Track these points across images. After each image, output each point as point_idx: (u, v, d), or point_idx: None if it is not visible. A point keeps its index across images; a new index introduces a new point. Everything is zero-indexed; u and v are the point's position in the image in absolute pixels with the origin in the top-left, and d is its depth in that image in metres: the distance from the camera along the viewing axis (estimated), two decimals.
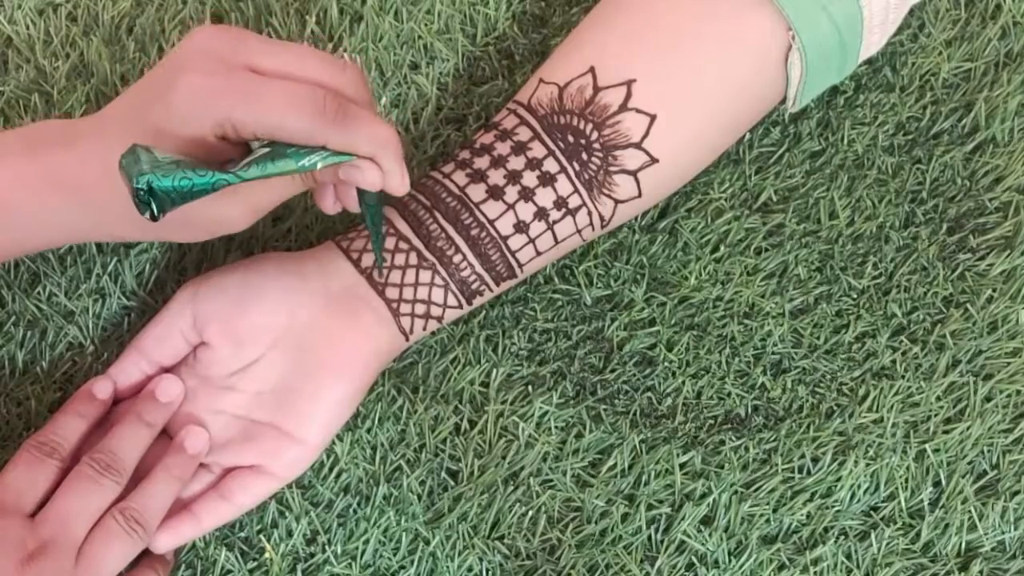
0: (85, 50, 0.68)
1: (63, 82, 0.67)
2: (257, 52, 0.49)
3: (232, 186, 0.47)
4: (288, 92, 0.48)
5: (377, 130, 0.49)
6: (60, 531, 0.54)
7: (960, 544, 0.61)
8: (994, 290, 0.66)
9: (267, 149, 0.48)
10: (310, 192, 0.55)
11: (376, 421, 0.61)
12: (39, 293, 0.63)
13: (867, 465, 0.62)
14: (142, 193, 0.45)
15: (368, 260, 0.59)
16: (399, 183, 0.51)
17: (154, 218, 0.46)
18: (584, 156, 0.59)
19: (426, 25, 0.70)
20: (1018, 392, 0.64)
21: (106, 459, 0.56)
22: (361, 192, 0.54)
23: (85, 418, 0.58)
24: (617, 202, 0.60)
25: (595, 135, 0.59)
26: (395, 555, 0.59)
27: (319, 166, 0.48)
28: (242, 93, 0.48)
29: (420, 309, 0.59)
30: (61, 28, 0.69)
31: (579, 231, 0.61)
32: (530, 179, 0.59)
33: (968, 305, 0.66)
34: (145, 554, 0.57)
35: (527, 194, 0.59)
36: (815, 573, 0.60)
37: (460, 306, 0.60)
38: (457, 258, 0.59)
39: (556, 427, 0.62)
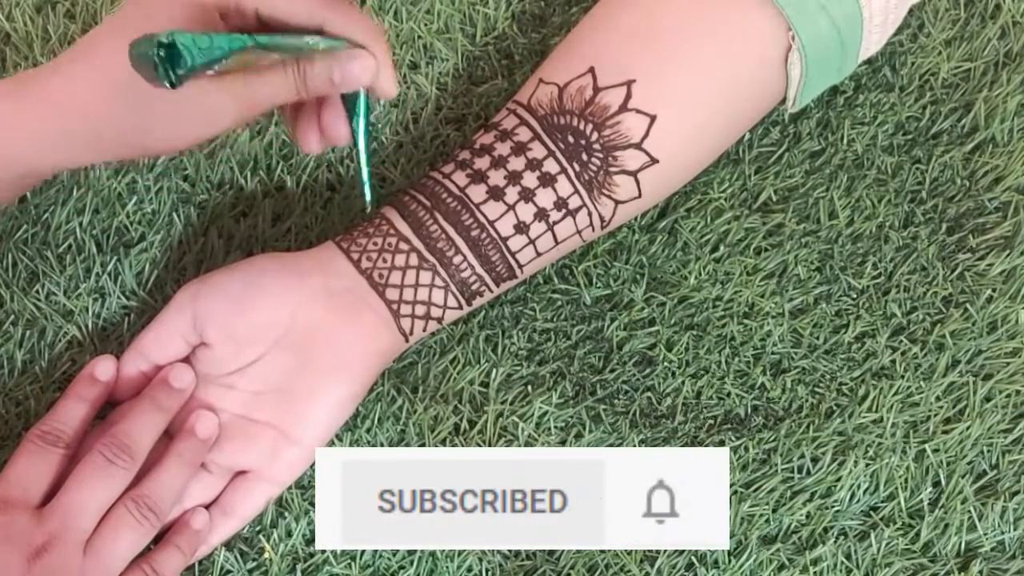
0: None
1: None
2: None
3: (225, 76, 0.48)
4: None
5: (368, 21, 0.52)
6: (68, 523, 0.54)
7: (960, 544, 0.61)
8: (994, 290, 0.66)
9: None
10: (293, 137, 0.57)
11: (376, 421, 0.61)
12: (38, 292, 0.63)
13: (867, 465, 0.62)
14: (162, 50, 0.44)
15: (367, 262, 0.59)
16: (390, 81, 0.53)
17: (172, 84, 0.45)
18: (584, 157, 0.59)
19: (426, 25, 0.70)
20: (1018, 392, 0.64)
21: (119, 442, 0.56)
22: (350, 107, 0.55)
23: (87, 402, 0.58)
24: (617, 203, 0.60)
25: (595, 136, 0.59)
26: (394, 555, 0.59)
27: (321, 46, 0.51)
28: None
29: (420, 310, 0.59)
30: (59, 26, 0.68)
31: (579, 232, 0.61)
32: (530, 180, 0.59)
33: (968, 305, 0.66)
34: (166, 532, 0.57)
35: (527, 195, 0.59)
36: (815, 573, 0.60)
37: (460, 307, 0.60)
38: (457, 259, 0.59)
39: (556, 427, 0.62)
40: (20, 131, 0.51)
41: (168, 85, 0.45)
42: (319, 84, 0.52)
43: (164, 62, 0.44)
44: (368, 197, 0.59)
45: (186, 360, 0.59)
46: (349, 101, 0.56)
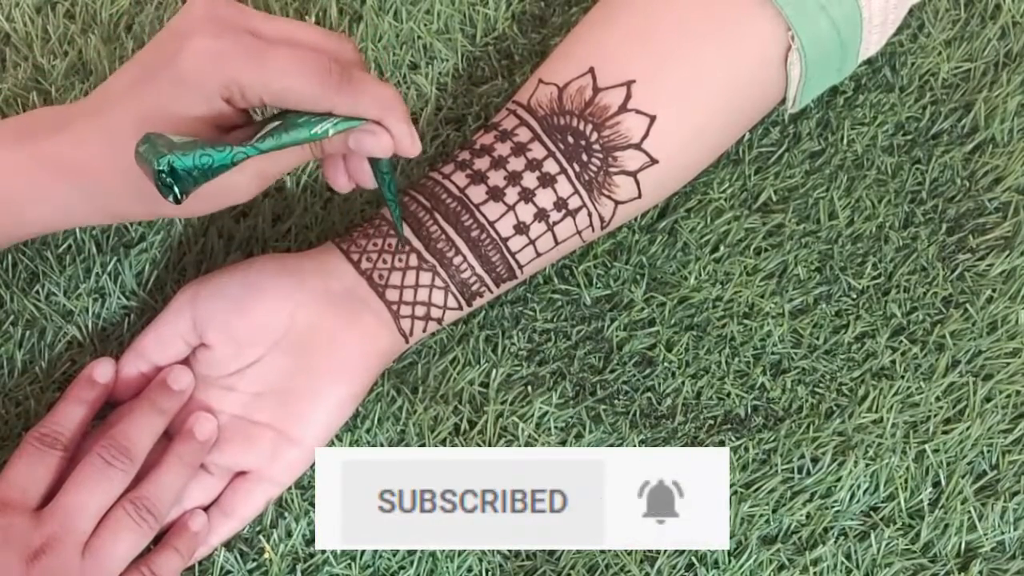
0: (83, 48, 0.68)
1: (61, 80, 0.67)
2: (257, 19, 0.50)
3: None
4: (294, 56, 0.48)
5: (381, 92, 0.50)
6: (66, 525, 0.54)
7: (960, 544, 0.61)
8: (994, 290, 0.66)
9: (277, 122, 0.49)
10: (321, 172, 0.56)
11: (376, 421, 0.61)
12: (38, 292, 0.63)
13: (867, 465, 0.62)
14: (164, 175, 0.45)
15: (367, 263, 0.59)
16: (409, 144, 0.51)
17: (177, 201, 0.46)
18: (584, 157, 0.59)
19: (425, 25, 0.69)
20: (1018, 392, 0.64)
21: (118, 444, 0.56)
22: (374, 161, 0.54)
23: (86, 404, 0.58)
24: (617, 203, 0.60)
25: (595, 136, 0.59)
26: (394, 555, 0.59)
27: (331, 133, 0.49)
28: (250, 55, 0.48)
29: (420, 311, 0.59)
30: (59, 26, 0.68)
31: (579, 232, 0.61)
32: (530, 180, 0.59)
33: (968, 305, 0.66)
34: (164, 535, 0.57)
35: (527, 195, 0.59)
36: (815, 573, 0.60)
37: (460, 307, 0.60)
38: (457, 260, 0.59)
39: (556, 427, 0.62)
40: (27, 186, 0.51)
41: (173, 201, 0.46)
42: (335, 149, 0.52)
43: (166, 181, 0.45)
44: (400, 232, 0.59)
45: (185, 361, 0.59)
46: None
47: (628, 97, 0.58)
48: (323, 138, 0.49)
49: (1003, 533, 0.61)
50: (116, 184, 0.50)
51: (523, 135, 0.59)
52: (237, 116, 0.50)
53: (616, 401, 0.63)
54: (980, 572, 0.60)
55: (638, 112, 0.58)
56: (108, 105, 0.50)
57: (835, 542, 0.60)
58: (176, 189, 0.46)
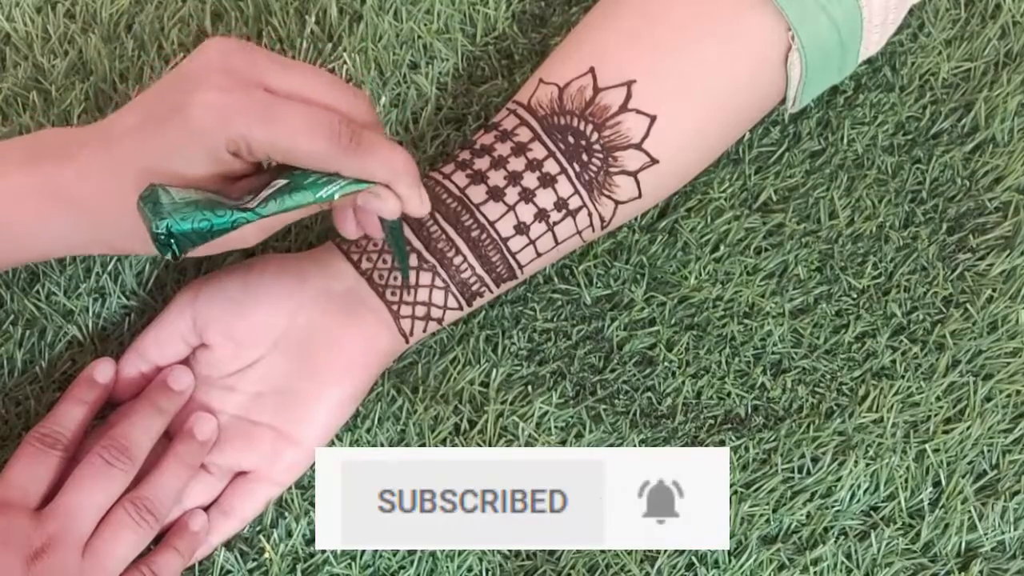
0: (84, 48, 0.68)
1: (62, 80, 0.67)
2: (270, 71, 0.49)
3: None
4: (304, 115, 0.48)
5: (391, 155, 0.50)
6: (67, 525, 0.54)
7: (960, 544, 0.61)
8: (994, 290, 0.66)
9: (284, 181, 0.48)
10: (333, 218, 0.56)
11: (376, 421, 0.61)
12: (38, 292, 0.63)
13: (867, 465, 0.62)
14: (162, 236, 0.45)
15: (367, 263, 0.59)
16: (417, 206, 0.51)
17: (175, 258, 0.46)
18: (584, 157, 0.59)
19: (425, 25, 0.69)
20: (1018, 392, 0.64)
21: (118, 444, 0.56)
22: (382, 217, 0.53)
23: (86, 404, 0.58)
24: (617, 203, 0.60)
25: (595, 136, 0.59)
26: (395, 555, 0.59)
27: (336, 196, 0.48)
28: (258, 113, 0.47)
29: (420, 311, 0.59)
30: (59, 25, 0.68)
31: (579, 232, 0.61)
32: (530, 180, 0.59)
33: (968, 305, 0.66)
34: (164, 535, 0.57)
35: (527, 195, 0.59)
36: (815, 573, 0.60)
37: (460, 307, 0.60)
38: (457, 260, 0.59)
39: (556, 427, 0.62)
40: (31, 212, 0.51)
41: (171, 258, 0.46)
42: (344, 203, 0.51)
43: (164, 241, 0.45)
44: (406, 282, 0.59)
45: (186, 361, 0.59)
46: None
47: (628, 97, 0.58)
48: (328, 201, 0.48)
49: (1003, 533, 0.61)
50: (116, 221, 0.50)
51: (523, 135, 0.59)
52: (244, 167, 0.50)
53: (616, 401, 0.63)
54: (980, 572, 0.60)
55: (638, 112, 0.58)
56: (112, 143, 0.50)
57: (835, 542, 0.60)
58: (174, 247, 0.46)
